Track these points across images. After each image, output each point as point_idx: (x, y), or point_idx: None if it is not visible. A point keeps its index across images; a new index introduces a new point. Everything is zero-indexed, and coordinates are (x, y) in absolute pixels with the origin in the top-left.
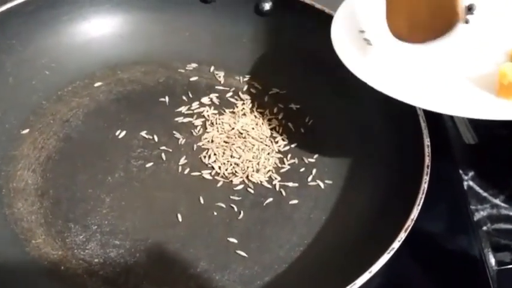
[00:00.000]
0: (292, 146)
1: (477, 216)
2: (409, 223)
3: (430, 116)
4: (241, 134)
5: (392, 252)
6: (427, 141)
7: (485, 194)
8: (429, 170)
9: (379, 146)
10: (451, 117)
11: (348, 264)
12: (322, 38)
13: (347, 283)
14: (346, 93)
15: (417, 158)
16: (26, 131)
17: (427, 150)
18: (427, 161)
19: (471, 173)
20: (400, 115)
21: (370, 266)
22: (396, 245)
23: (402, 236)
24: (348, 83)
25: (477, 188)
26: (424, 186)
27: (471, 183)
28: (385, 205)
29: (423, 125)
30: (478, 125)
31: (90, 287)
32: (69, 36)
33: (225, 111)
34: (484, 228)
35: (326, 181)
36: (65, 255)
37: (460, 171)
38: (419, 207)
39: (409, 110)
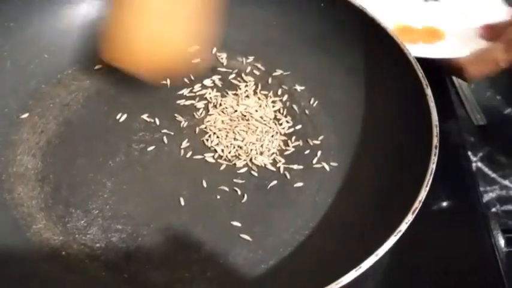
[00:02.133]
0: (297, 128)
1: (486, 197)
2: (417, 205)
3: (439, 97)
4: (245, 116)
5: (399, 235)
6: (435, 122)
7: (494, 175)
8: (437, 151)
9: (386, 127)
10: (459, 98)
11: (354, 247)
12: (326, 17)
13: (353, 266)
14: (352, 73)
15: (425, 138)
16: (25, 115)
17: (436, 131)
18: (435, 141)
19: (480, 154)
20: (407, 95)
21: (377, 248)
22: (403, 227)
23: (409, 218)
24: (354, 63)
25: (486, 170)
26: (432, 167)
27: (480, 164)
28: (391, 187)
29: (431, 104)
30: (486, 105)
31: (92, 272)
32: (68, 19)
33: (227, 93)
34: (493, 209)
35: (331, 163)
36: (66, 240)
37: (469, 153)
38: (427, 188)
39: (417, 90)
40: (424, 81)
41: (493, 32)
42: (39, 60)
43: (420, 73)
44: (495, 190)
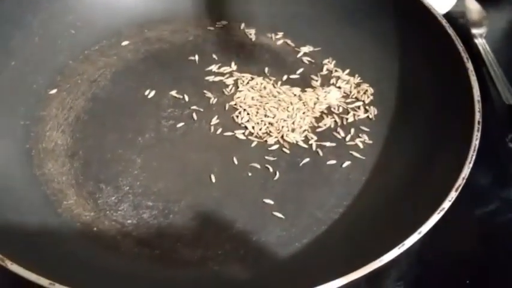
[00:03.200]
0: (329, 104)
1: None
2: (460, 182)
3: None
4: (275, 93)
5: (442, 213)
6: (477, 97)
7: None
8: (480, 127)
9: (424, 103)
10: (490, 77)
11: (390, 226)
12: None
13: (394, 244)
14: (386, 48)
15: (467, 114)
16: (54, 91)
17: (478, 106)
18: (478, 116)
19: (511, 135)
20: (447, 70)
21: (420, 226)
22: (447, 205)
23: (453, 195)
24: (387, 36)
25: None
26: (476, 143)
27: (511, 144)
28: (431, 164)
29: (473, 78)
30: None
31: (123, 248)
32: None
33: (257, 69)
34: None
35: (366, 140)
36: (97, 217)
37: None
38: (471, 165)
39: (457, 64)
40: (465, 55)
41: None
42: (66, 36)
43: (460, 46)
44: None
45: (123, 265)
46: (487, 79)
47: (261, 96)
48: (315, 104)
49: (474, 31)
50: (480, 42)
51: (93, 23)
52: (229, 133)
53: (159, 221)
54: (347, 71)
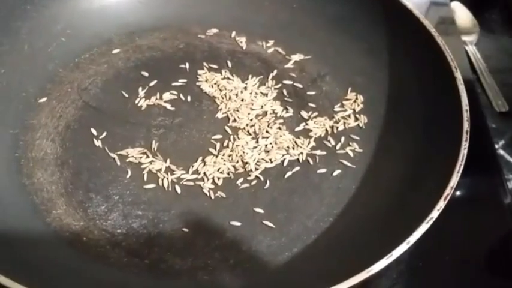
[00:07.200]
0: (319, 112)
1: (509, 185)
2: (449, 191)
3: None
4: (265, 101)
5: (431, 222)
6: (465, 106)
7: None
8: (468, 136)
9: (413, 111)
10: (481, 84)
11: (381, 235)
12: None
13: (383, 254)
14: (375, 56)
15: (455, 123)
16: (44, 99)
17: (466, 115)
18: (466, 126)
19: (502, 142)
20: (435, 79)
21: (408, 236)
22: (435, 214)
23: (441, 205)
24: (377, 45)
25: (508, 157)
26: (464, 152)
27: (502, 152)
28: (420, 173)
29: (461, 88)
30: (508, 92)
31: (113, 258)
32: (85, 1)
33: (248, 78)
34: None
35: (356, 149)
36: (87, 226)
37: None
38: (459, 174)
39: (446, 73)
40: (453, 64)
41: None
42: (56, 44)
43: (449, 55)
44: None
45: (112, 275)
46: (478, 86)
47: (252, 105)
48: (305, 112)
49: (465, 38)
50: (471, 50)
51: (84, 31)
52: (220, 142)
53: (149, 230)
54: (337, 79)
